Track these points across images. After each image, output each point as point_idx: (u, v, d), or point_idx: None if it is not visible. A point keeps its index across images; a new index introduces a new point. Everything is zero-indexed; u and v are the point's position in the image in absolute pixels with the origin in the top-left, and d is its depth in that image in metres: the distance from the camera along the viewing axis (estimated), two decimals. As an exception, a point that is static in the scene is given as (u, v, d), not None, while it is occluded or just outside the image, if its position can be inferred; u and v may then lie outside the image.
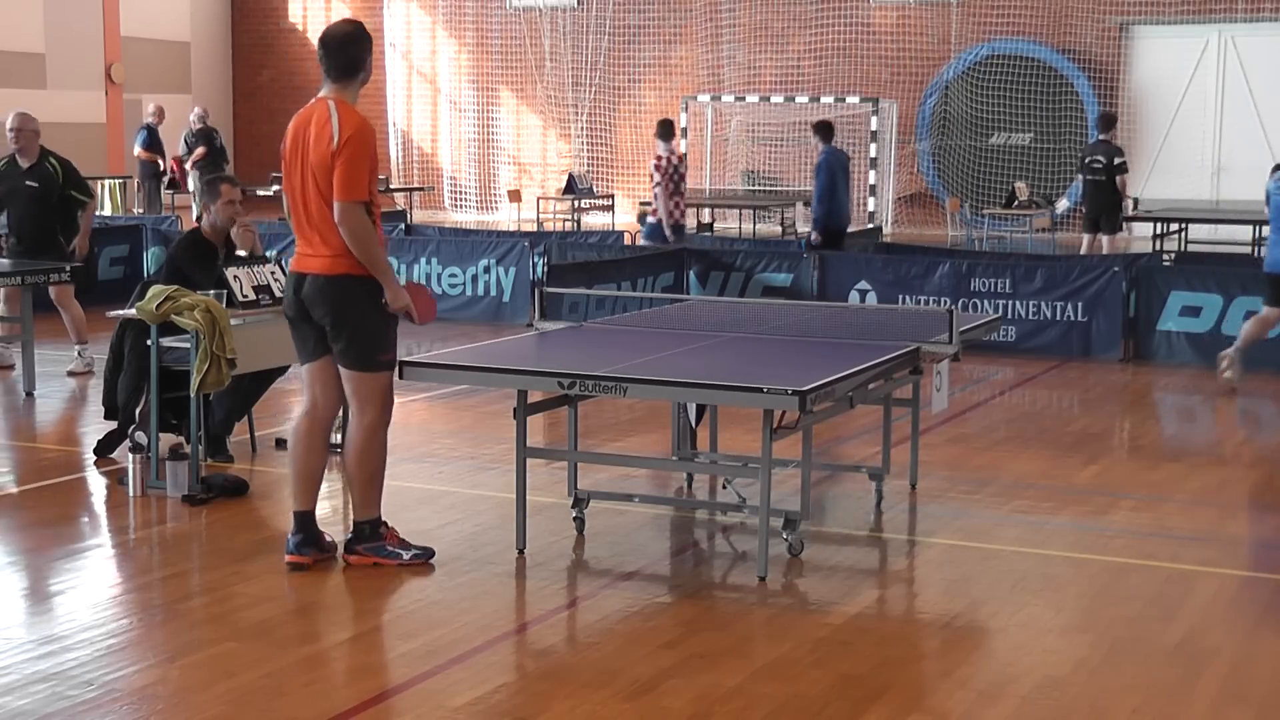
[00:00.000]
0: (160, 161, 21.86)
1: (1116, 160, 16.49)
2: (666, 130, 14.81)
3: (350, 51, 6.26)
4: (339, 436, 8.49)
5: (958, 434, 9.39)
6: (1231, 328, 11.86)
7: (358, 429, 6.30)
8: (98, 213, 21.31)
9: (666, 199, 14.53)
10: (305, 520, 6.41)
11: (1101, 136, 16.87)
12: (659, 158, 14.49)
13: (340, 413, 6.80)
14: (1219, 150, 23.36)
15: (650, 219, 14.98)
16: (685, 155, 16.18)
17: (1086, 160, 16.89)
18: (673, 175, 14.51)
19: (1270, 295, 10.82)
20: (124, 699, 4.91)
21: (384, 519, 6.48)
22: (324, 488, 7.82)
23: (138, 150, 21.95)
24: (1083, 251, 16.57)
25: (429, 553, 6.45)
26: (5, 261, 10.93)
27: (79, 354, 11.13)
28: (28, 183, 10.85)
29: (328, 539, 6.53)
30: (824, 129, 14.66)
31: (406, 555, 6.39)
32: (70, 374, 11.00)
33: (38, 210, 10.85)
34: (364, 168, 6.10)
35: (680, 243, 14.64)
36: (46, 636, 5.50)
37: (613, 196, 24.86)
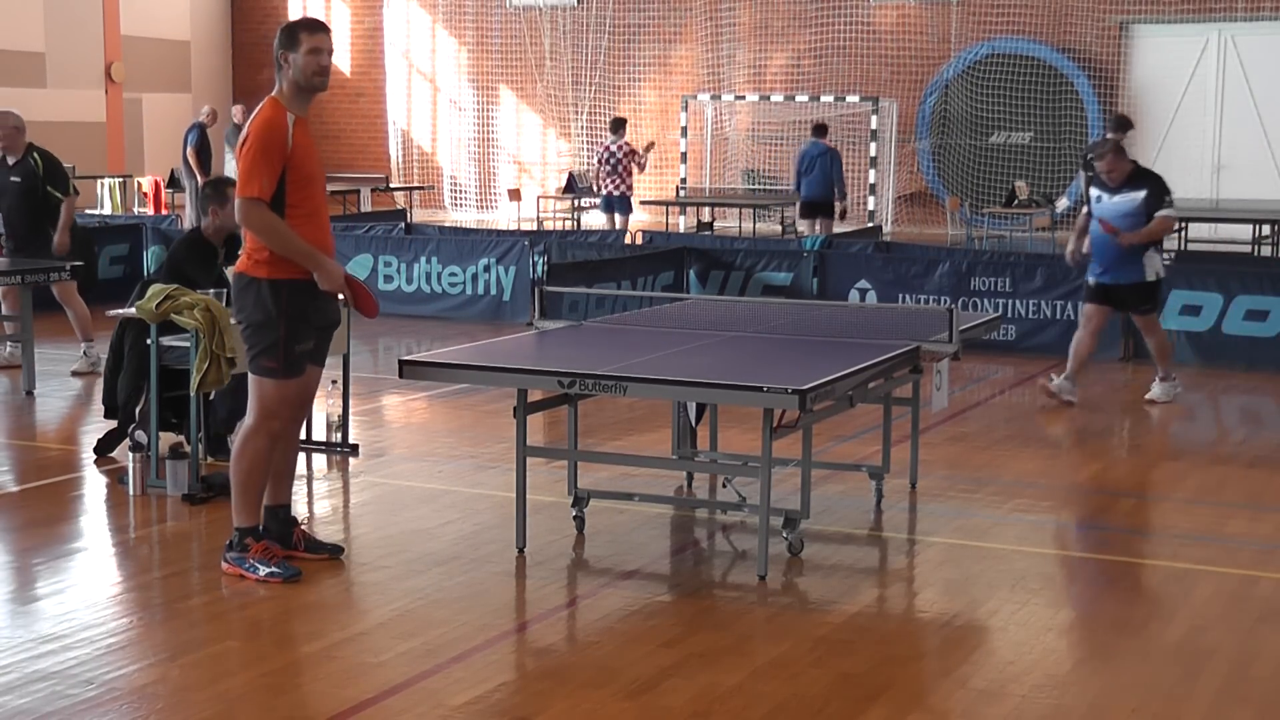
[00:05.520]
0: (198, 175, 20.17)
1: None
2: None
3: (277, 47, 6.12)
4: (337, 435, 8.55)
5: (958, 433, 9.39)
6: (1232, 327, 11.87)
7: (240, 431, 6.25)
8: (97, 211, 21.29)
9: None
10: (271, 513, 6.37)
11: (1108, 136, 16.79)
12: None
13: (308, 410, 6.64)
14: (1219, 149, 23.35)
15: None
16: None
17: (1089, 158, 16.77)
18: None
19: None
20: (124, 698, 4.91)
21: (262, 529, 6.30)
22: (324, 486, 7.88)
23: (188, 151, 20.66)
24: (1084, 251, 16.48)
25: (291, 573, 6.12)
26: (2, 260, 10.92)
27: (84, 353, 11.02)
28: (12, 179, 10.89)
29: (313, 539, 6.50)
30: None
31: (264, 571, 6.10)
32: (75, 374, 10.92)
33: (23, 206, 10.87)
34: (262, 165, 5.92)
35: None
36: (46, 635, 5.50)
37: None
